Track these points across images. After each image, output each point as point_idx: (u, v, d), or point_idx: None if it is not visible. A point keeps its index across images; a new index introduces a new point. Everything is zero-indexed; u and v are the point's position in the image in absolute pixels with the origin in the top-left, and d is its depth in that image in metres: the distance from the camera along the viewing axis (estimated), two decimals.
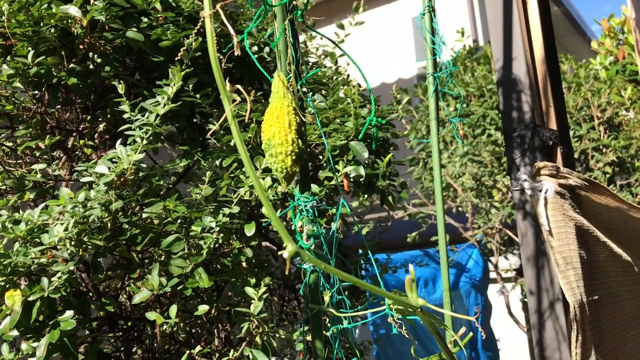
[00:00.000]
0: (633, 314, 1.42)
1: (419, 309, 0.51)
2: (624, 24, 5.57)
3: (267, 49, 1.68)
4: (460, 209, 4.20)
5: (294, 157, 0.60)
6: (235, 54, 0.55)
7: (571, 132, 4.23)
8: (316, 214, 0.82)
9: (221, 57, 1.27)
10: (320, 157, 1.53)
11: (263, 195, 0.45)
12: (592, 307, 1.23)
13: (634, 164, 4.29)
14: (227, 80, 1.69)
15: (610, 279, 1.33)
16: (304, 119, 0.65)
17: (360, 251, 2.03)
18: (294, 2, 0.66)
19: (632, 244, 1.46)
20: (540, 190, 1.19)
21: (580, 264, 1.21)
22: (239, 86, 0.52)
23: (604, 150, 4.18)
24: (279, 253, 0.55)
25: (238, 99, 0.52)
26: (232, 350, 1.26)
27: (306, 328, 1.17)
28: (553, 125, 1.37)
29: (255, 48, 1.67)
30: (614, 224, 1.42)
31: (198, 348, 1.24)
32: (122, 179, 1.22)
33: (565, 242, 1.20)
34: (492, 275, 4.19)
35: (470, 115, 4.25)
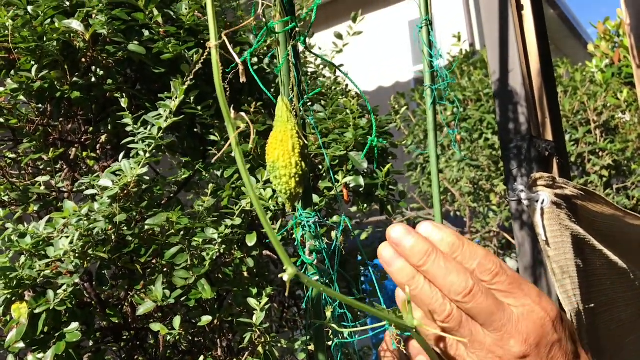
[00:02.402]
0: (629, 321, 1.44)
1: (414, 330, 0.52)
2: (619, 26, 5.61)
3: (266, 60, 1.71)
4: (458, 213, 4.23)
5: (297, 179, 0.62)
6: (241, 81, 0.57)
7: (568, 136, 4.25)
8: (318, 229, 0.84)
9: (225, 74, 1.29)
10: (320, 167, 1.55)
11: (264, 217, 0.47)
12: (589, 315, 1.25)
13: (630, 167, 4.32)
14: (227, 92, 1.70)
15: (606, 287, 1.35)
16: (306, 142, 0.67)
17: (360, 257, 2.05)
18: (296, 29, 0.68)
19: (628, 252, 1.48)
20: (537, 201, 1.21)
21: (576, 273, 1.23)
22: (243, 114, 0.54)
23: (600, 153, 4.21)
24: (280, 275, 0.57)
25: (242, 126, 0.54)
26: None
27: (308, 337, 1.19)
28: (549, 136, 1.39)
29: (255, 59, 1.69)
30: (609, 231, 1.44)
31: (201, 358, 1.26)
32: (125, 192, 1.24)
33: (561, 251, 1.22)
34: None
35: (468, 119, 4.28)
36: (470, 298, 0.52)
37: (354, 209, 3.53)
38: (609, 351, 1.31)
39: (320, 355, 0.84)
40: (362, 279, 2.12)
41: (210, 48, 0.54)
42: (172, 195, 1.63)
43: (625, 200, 4.08)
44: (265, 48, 1.71)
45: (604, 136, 4.34)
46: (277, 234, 1.36)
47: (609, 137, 4.33)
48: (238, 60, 0.62)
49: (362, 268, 2.04)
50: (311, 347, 1.27)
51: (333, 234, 1.56)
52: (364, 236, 3.33)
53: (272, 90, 1.70)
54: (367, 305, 0.54)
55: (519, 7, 1.45)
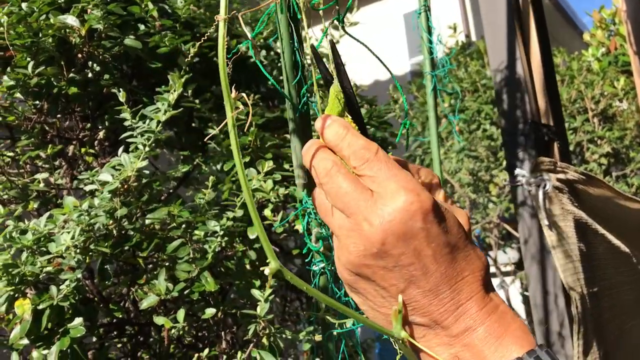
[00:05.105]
0: (631, 306, 1.44)
1: (401, 341, 0.51)
2: (615, 15, 5.60)
3: (263, 52, 1.70)
4: (457, 204, 4.22)
5: None
6: (256, 60, 0.57)
7: (566, 125, 4.25)
8: None
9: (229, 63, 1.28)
10: None
11: (254, 212, 0.47)
12: (593, 299, 1.25)
13: (629, 154, 4.32)
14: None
15: (609, 271, 1.35)
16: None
17: None
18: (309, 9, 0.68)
19: (630, 235, 1.48)
20: (539, 186, 1.21)
21: (580, 257, 1.23)
22: (244, 94, 0.54)
23: (598, 141, 4.21)
24: (261, 269, 0.57)
25: (241, 107, 0.53)
26: (239, 352, 1.27)
27: (313, 328, 1.19)
28: (549, 121, 1.39)
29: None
30: (611, 215, 1.44)
31: (206, 351, 1.26)
32: (125, 186, 1.23)
33: (564, 236, 1.22)
34: (492, 269, 4.21)
35: (465, 110, 4.28)
36: (328, 179, 0.55)
37: None
38: (613, 334, 1.31)
39: (329, 344, 0.83)
40: None
41: (218, 22, 0.52)
42: (171, 190, 1.62)
43: (625, 187, 4.08)
44: (262, 40, 1.70)
45: (602, 124, 4.34)
46: (278, 224, 1.35)
47: (607, 125, 4.33)
48: (249, 36, 0.61)
49: None
50: (317, 337, 1.26)
51: None
52: None
53: (270, 82, 1.69)
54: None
55: None
